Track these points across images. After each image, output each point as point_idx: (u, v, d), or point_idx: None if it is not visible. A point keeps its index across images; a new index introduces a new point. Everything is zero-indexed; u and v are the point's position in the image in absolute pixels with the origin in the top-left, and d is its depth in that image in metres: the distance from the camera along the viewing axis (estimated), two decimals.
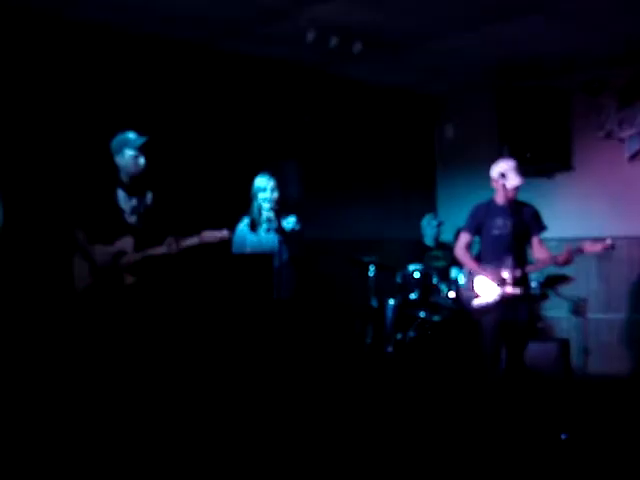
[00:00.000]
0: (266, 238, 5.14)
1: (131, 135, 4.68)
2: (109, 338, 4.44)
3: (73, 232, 4.62)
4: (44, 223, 5.15)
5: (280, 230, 5.00)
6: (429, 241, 7.02)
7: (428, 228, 7.03)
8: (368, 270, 6.34)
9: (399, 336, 6.30)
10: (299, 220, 5.17)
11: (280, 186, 5.17)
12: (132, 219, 4.68)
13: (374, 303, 6.39)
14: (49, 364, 4.95)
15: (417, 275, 6.36)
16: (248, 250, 5.15)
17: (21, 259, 5.00)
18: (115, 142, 4.67)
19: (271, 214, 5.02)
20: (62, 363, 4.86)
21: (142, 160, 4.66)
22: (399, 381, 6.02)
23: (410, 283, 6.40)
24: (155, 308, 4.57)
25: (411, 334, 6.29)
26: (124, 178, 4.68)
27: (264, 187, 5.13)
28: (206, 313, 4.87)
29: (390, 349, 6.30)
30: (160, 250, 4.55)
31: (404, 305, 6.40)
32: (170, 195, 4.96)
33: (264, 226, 5.14)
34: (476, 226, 5.26)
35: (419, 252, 6.94)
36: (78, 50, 5.59)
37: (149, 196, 4.77)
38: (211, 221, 4.71)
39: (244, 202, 5.24)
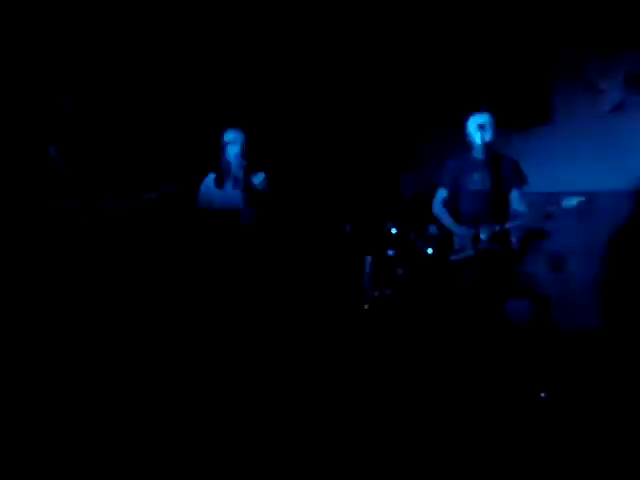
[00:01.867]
0: (232, 195, 4.93)
1: None
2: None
3: None
4: None
5: (247, 188, 4.81)
6: (407, 196, 6.88)
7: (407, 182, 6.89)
8: (345, 227, 6.25)
9: (376, 293, 6.23)
10: (267, 178, 4.99)
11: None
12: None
13: (351, 259, 6.30)
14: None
15: (394, 231, 6.24)
16: (214, 207, 4.95)
17: None
18: None
19: (239, 171, 4.84)
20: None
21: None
22: (375, 338, 5.92)
23: (387, 239, 6.30)
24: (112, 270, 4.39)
25: (388, 291, 6.21)
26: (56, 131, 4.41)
27: (233, 140, 4.93)
28: (167, 273, 4.71)
29: (367, 306, 6.22)
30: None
31: (381, 261, 6.30)
32: (117, 150, 4.72)
33: (230, 183, 4.95)
34: (451, 180, 5.15)
35: (397, 207, 6.80)
36: None
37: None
38: (173, 177, 4.51)
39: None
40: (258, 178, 4.90)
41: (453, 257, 5.10)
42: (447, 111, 7.23)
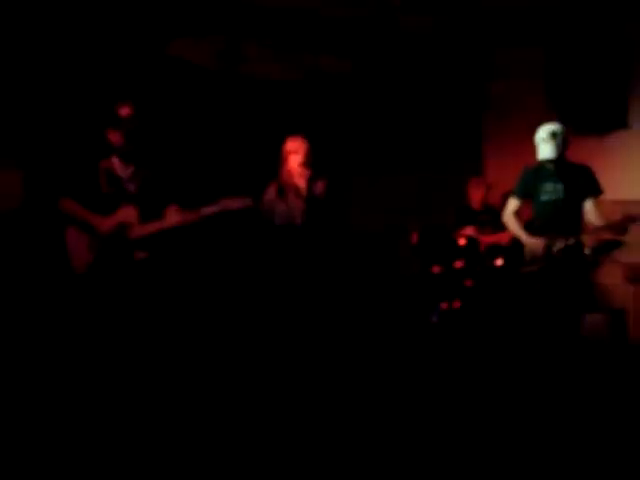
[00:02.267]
0: (295, 205, 4.83)
1: None
2: (118, 322, 4.13)
3: (58, 201, 4.22)
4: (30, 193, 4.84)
5: (309, 198, 4.70)
6: (476, 205, 6.68)
7: (475, 191, 6.69)
8: (412, 237, 6.11)
9: (444, 306, 6.08)
10: (329, 186, 4.86)
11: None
12: (131, 187, 4.33)
13: (418, 271, 6.17)
14: (51, 356, 4.52)
15: (463, 242, 6.08)
16: (277, 219, 4.86)
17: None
18: None
19: (301, 180, 4.74)
20: (66, 353, 4.42)
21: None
22: (442, 352, 5.75)
23: (456, 250, 6.13)
24: (170, 287, 4.31)
25: (457, 304, 6.05)
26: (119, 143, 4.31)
27: (296, 149, 4.83)
28: (228, 290, 4.63)
29: (435, 318, 6.08)
30: (173, 220, 4.24)
31: (450, 273, 6.14)
32: (178, 162, 4.65)
33: (292, 192, 4.83)
34: (525, 191, 4.99)
35: (465, 217, 6.63)
36: None
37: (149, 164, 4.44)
38: (233, 189, 4.42)
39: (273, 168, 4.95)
40: (319, 187, 4.79)
41: (524, 269, 4.91)
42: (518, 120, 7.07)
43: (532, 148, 4.98)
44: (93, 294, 4.14)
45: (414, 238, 6.12)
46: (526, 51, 7.26)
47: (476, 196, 6.65)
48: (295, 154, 4.80)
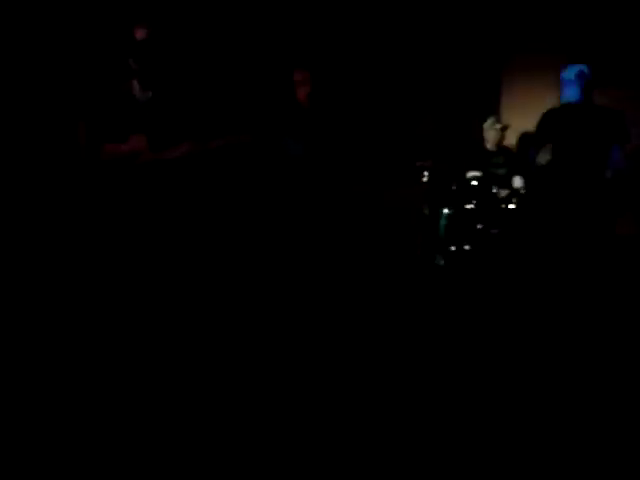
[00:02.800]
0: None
1: None
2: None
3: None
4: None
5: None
6: (490, 146, 6.43)
7: (490, 132, 6.42)
8: (422, 176, 5.86)
9: (452, 248, 5.87)
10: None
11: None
12: (146, 113, 4.13)
13: (427, 211, 5.94)
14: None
15: (475, 183, 5.84)
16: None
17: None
18: None
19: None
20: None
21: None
22: (448, 295, 5.54)
23: (467, 191, 5.90)
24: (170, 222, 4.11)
25: (466, 247, 5.84)
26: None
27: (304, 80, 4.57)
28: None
29: (441, 261, 5.88)
30: (179, 151, 4.08)
31: (459, 215, 5.91)
32: (191, 90, 4.44)
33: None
34: (545, 133, 4.75)
35: (479, 158, 6.37)
36: None
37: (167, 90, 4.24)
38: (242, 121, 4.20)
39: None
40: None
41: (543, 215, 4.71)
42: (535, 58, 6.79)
43: (553, 89, 4.74)
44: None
45: (424, 177, 5.86)
46: None
47: (491, 137, 6.38)
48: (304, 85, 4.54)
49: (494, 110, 7.16)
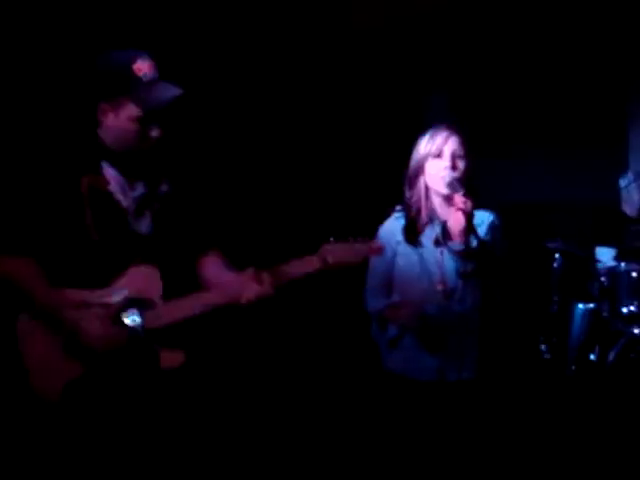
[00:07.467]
0: (434, 257, 2.79)
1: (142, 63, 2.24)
2: None
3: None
4: None
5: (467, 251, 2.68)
6: (632, 211, 4.88)
7: (630, 191, 4.90)
8: (552, 260, 4.49)
9: (592, 356, 4.56)
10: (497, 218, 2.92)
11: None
12: (140, 225, 2.35)
13: (554, 306, 4.62)
14: None
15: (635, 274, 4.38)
16: (396, 278, 2.85)
17: None
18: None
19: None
20: None
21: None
22: (578, 411, 4.33)
23: (617, 282, 4.48)
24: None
25: (611, 355, 4.49)
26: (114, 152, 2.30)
27: (438, 152, 2.87)
28: None
29: (573, 369, 4.64)
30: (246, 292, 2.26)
31: (603, 313, 4.53)
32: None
33: (430, 233, 2.82)
34: None
35: (614, 226, 4.91)
36: None
37: (165, 186, 2.41)
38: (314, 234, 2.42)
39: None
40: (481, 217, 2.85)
41: None
42: None
43: None
44: (72, 436, 2.30)
45: (555, 261, 4.47)
46: None
47: (632, 198, 4.88)
48: (438, 157, 2.84)
49: (620, 156, 5.62)
